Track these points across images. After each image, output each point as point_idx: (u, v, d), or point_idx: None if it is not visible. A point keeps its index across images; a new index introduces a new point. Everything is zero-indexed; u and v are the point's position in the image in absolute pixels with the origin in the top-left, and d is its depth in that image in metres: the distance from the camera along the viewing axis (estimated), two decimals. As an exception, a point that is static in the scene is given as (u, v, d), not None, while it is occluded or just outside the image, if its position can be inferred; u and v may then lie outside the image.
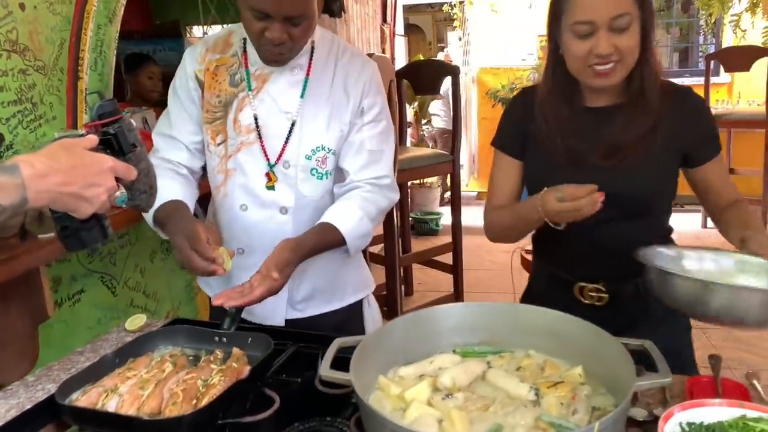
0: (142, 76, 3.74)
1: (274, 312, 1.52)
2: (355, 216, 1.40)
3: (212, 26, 4.90)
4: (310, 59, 1.42)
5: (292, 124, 1.41)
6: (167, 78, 1.66)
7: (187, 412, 1.00)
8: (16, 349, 1.40)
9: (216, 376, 1.11)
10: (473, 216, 6.45)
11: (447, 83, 3.97)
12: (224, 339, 1.27)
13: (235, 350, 1.23)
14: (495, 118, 6.39)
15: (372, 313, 1.63)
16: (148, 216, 1.39)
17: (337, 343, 1.02)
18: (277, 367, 1.21)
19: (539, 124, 1.37)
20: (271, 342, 1.20)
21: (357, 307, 1.61)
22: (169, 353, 1.25)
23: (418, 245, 4.81)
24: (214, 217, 1.57)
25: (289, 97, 1.41)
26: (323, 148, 1.44)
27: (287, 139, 1.41)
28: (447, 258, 3.90)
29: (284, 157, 1.42)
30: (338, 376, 0.93)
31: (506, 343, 1.10)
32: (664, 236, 1.43)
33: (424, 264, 4.18)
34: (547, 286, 1.50)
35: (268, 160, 1.44)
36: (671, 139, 1.31)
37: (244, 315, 1.50)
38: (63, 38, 1.59)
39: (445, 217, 5.97)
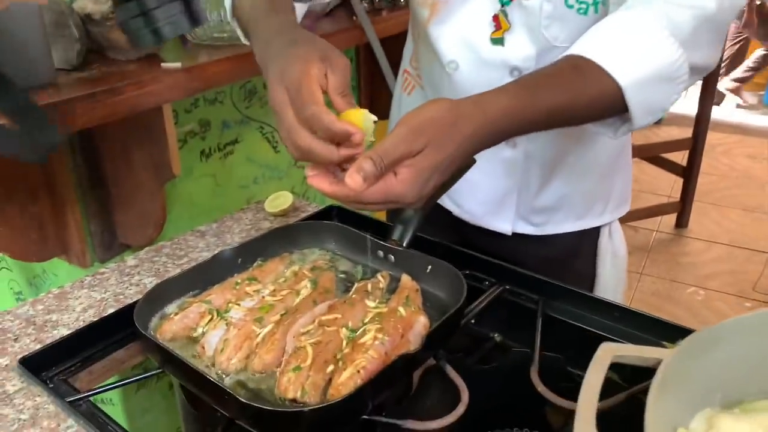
0: None
1: (498, 212, 1.01)
2: (642, 36, 0.70)
3: None
4: None
5: None
6: None
7: (314, 402, 0.58)
8: (141, 209, 1.10)
9: (371, 326, 0.68)
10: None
11: None
12: (391, 257, 0.83)
13: (405, 280, 0.79)
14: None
15: (614, 247, 1.05)
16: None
17: (609, 354, 0.49)
18: (466, 321, 0.75)
19: None
20: (463, 283, 0.73)
21: (594, 231, 1.05)
22: (312, 263, 0.84)
23: (634, 135, 3.94)
24: (414, 71, 1.05)
25: None
26: None
27: None
28: (671, 155, 3.07)
29: None
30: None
31: None
32: None
33: (641, 158, 3.37)
34: None
35: None
36: None
37: (448, 204, 1.03)
38: None
39: (676, 104, 4.87)
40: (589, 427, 0.39)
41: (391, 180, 0.61)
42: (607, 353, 0.46)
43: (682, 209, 3.04)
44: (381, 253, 0.84)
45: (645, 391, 0.63)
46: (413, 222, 0.82)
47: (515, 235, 1.02)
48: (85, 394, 0.61)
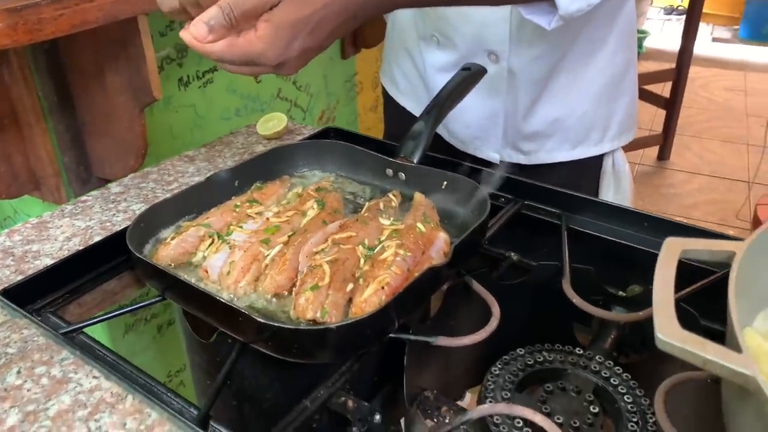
0: None
1: (485, 137, 0.95)
2: None
3: None
4: None
5: None
6: None
7: (335, 321, 0.53)
8: (118, 137, 1.01)
9: (390, 242, 0.63)
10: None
11: None
12: (402, 174, 0.77)
13: (419, 198, 0.73)
14: None
15: (617, 178, 0.98)
16: None
17: (677, 248, 0.44)
18: (489, 237, 0.70)
19: None
20: (485, 195, 0.67)
21: (594, 163, 0.98)
22: (316, 184, 0.78)
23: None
24: None
25: None
26: None
27: None
28: (652, 87, 3.03)
29: None
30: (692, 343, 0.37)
31: None
32: None
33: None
34: None
35: None
36: None
37: (439, 129, 0.95)
38: None
39: (653, 38, 4.83)
40: (672, 323, 0.35)
41: (250, 36, 0.56)
42: (674, 248, 0.42)
43: (665, 141, 3.03)
44: (390, 171, 0.78)
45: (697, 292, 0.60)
46: (423, 137, 0.76)
47: (505, 165, 0.95)
48: (79, 325, 0.55)
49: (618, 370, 0.60)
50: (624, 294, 0.71)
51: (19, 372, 0.50)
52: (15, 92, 0.96)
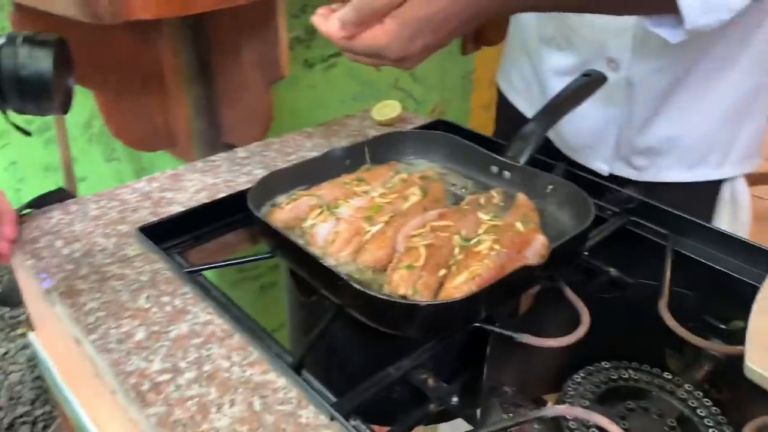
0: None
1: (596, 146, 0.94)
2: None
3: None
4: None
5: None
6: None
7: (426, 299, 0.56)
8: (247, 108, 1.09)
9: (486, 237, 0.64)
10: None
11: None
12: (507, 173, 0.78)
13: (522, 198, 0.74)
14: None
15: (736, 208, 0.91)
16: None
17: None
18: (588, 247, 0.70)
19: None
20: (589, 203, 0.67)
21: (711, 188, 0.93)
22: (422, 172, 0.80)
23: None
24: None
25: None
26: None
27: None
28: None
29: None
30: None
31: None
32: None
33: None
34: None
35: None
36: None
37: (550, 135, 0.94)
38: None
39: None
40: (764, 353, 0.34)
41: (376, 30, 0.59)
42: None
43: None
44: (495, 169, 0.79)
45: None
46: (533, 139, 0.77)
47: (614, 179, 0.93)
48: (200, 267, 0.62)
49: (707, 402, 0.58)
50: (725, 327, 0.68)
51: (148, 297, 0.58)
52: (164, 59, 1.06)
